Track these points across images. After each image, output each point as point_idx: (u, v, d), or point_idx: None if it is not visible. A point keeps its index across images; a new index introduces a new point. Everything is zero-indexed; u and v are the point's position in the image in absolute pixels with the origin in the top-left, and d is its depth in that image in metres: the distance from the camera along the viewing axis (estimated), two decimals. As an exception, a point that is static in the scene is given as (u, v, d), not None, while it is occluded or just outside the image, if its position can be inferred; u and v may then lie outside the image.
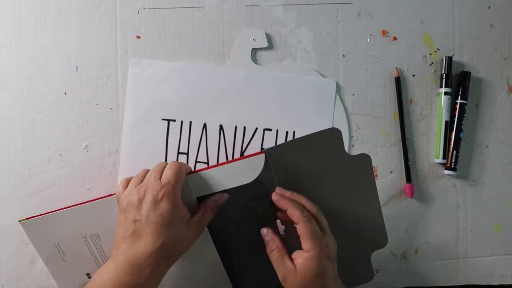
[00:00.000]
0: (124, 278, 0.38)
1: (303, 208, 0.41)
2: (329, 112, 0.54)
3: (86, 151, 0.52)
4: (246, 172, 0.42)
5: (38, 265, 0.51)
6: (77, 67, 0.52)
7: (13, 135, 0.51)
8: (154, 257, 0.38)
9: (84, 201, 0.46)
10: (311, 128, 0.53)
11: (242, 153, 0.53)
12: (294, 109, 0.53)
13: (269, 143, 0.53)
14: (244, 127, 0.53)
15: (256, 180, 0.42)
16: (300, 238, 0.40)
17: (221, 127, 0.53)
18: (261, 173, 0.42)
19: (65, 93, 0.52)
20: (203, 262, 0.46)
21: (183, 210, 0.41)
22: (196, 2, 0.53)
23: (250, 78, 0.53)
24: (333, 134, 0.42)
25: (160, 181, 0.40)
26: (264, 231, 0.44)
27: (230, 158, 0.53)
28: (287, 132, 0.53)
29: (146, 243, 0.38)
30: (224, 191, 0.42)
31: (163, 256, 0.39)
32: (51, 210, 0.46)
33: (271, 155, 0.42)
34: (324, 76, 0.54)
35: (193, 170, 0.44)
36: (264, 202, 0.44)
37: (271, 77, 0.53)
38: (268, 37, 0.53)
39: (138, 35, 0.53)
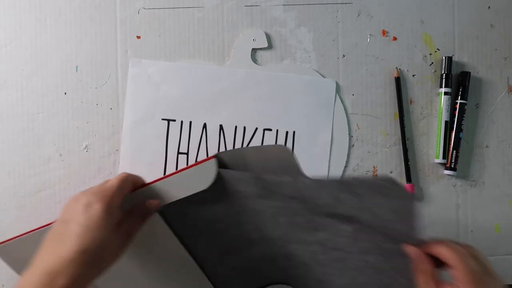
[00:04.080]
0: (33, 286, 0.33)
1: (454, 244, 0.35)
2: (329, 112, 0.54)
3: (86, 151, 0.52)
4: (199, 179, 0.40)
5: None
6: (77, 67, 0.52)
7: (13, 135, 0.51)
8: (73, 263, 0.33)
9: (51, 222, 0.43)
10: (311, 128, 0.53)
11: None
12: (294, 109, 0.53)
13: (269, 144, 0.53)
14: (244, 127, 0.53)
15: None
16: (457, 282, 0.34)
17: (221, 127, 0.53)
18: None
19: (65, 93, 0.52)
20: (173, 265, 0.46)
21: (116, 217, 0.37)
22: (196, 2, 0.53)
23: (250, 78, 0.53)
24: (283, 152, 0.40)
25: (102, 187, 0.38)
26: (411, 248, 0.37)
27: None
28: (287, 132, 0.53)
29: (67, 247, 0.34)
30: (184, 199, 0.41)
31: (84, 263, 0.34)
32: (21, 233, 0.44)
33: (224, 159, 0.40)
34: (324, 76, 0.54)
35: (145, 182, 0.42)
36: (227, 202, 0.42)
37: (271, 77, 0.53)
38: (268, 37, 0.53)
39: (138, 35, 0.53)
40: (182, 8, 0.53)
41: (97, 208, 0.36)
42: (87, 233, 0.35)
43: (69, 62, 0.52)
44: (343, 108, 0.54)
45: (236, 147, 0.53)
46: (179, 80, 0.52)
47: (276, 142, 0.53)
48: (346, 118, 0.54)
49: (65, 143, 0.52)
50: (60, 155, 0.52)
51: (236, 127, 0.53)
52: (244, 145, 0.53)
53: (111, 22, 0.52)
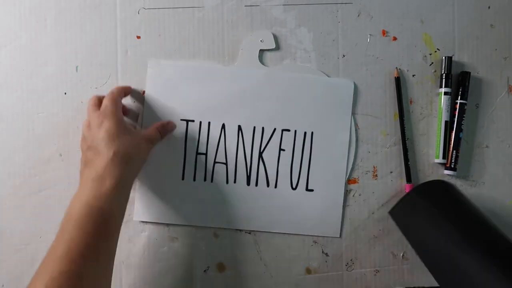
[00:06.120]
0: (88, 191, 0.40)
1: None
2: (347, 112, 0.54)
3: (86, 151, 0.52)
4: None
5: (38, 265, 0.51)
6: (77, 67, 0.52)
7: (13, 135, 0.51)
8: (110, 165, 0.41)
9: None
10: (329, 128, 0.54)
11: (260, 153, 0.53)
12: (312, 110, 0.53)
13: (287, 144, 0.53)
14: (263, 128, 0.53)
15: None
16: None
17: (239, 128, 0.53)
18: None
19: (65, 93, 0.52)
20: None
21: (127, 124, 0.46)
22: (196, 2, 0.53)
23: (269, 79, 0.53)
24: None
25: (99, 110, 0.45)
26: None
27: (248, 158, 0.53)
28: (305, 133, 0.53)
29: (100, 157, 0.42)
30: None
31: (119, 161, 0.42)
32: None
33: None
34: (328, 76, 0.54)
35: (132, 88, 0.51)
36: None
37: (289, 78, 0.53)
38: (275, 38, 0.53)
39: (138, 35, 0.53)
40: (182, 8, 0.53)
41: (107, 123, 0.43)
42: (110, 142, 0.42)
43: (69, 62, 0.52)
44: (343, 108, 0.54)
45: (254, 148, 0.53)
46: (197, 81, 0.52)
47: (294, 143, 0.53)
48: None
49: (65, 143, 0.52)
50: (60, 155, 0.52)
51: (254, 127, 0.53)
52: (263, 146, 0.53)
53: (111, 22, 0.52)
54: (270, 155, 0.53)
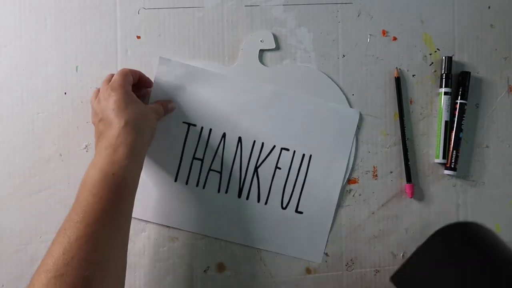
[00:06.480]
0: (102, 159, 0.41)
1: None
2: (348, 142, 0.54)
3: (86, 151, 0.52)
4: None
5: (38, 265, 0.51)
6: (77, 67, 0.52)
7: (13, 135, 0.51)
8: (123, 133, 0.42)
9: None
10: (328, 155, 0.53)
11: (256, 167, 0.53)
12: (314, 133, 0.53)
13: (284, 163, 0.53)
14: (262, 143, 0.53)
15: None
16: None
17: (239, 139, 0.52)
18: None
19: (65, 93, 0.52)
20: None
21: (135, 97, 0.45)
22: (196, 2, 0.53)
23: (277, 96, 0.53)
24: None
25: (108, 85, 0.45)
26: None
27: (244, 171, 0.52)
28: (303, 155, 0.53)
29: (112, 127, 0.42)
30: None
31: (131, 129, 0.42)
32: None
33: None
34: (329, 76, 0.54)
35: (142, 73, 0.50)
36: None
37: (297, 98, 0.53)
38: (275, 38, 0.53)
39: (138, 35, 0.53)
40: (182, 8, 0.53)
41: (114, 95, 0.43)
42: (120, 112, 0.43)
43: (69, 62, 0.52)
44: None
45: (251, 161, 0.52)
46: (205, 86, 0.52)
47: (291, 163, 0.53)
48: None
49: (65, 143, 0.52)
50: (60, 155, 0.52)
51: (254, 141, 0.53)
52: (260, 161, 0.52)
53: (111, 22, 0.52)
54: (265, 171, 0.53)
